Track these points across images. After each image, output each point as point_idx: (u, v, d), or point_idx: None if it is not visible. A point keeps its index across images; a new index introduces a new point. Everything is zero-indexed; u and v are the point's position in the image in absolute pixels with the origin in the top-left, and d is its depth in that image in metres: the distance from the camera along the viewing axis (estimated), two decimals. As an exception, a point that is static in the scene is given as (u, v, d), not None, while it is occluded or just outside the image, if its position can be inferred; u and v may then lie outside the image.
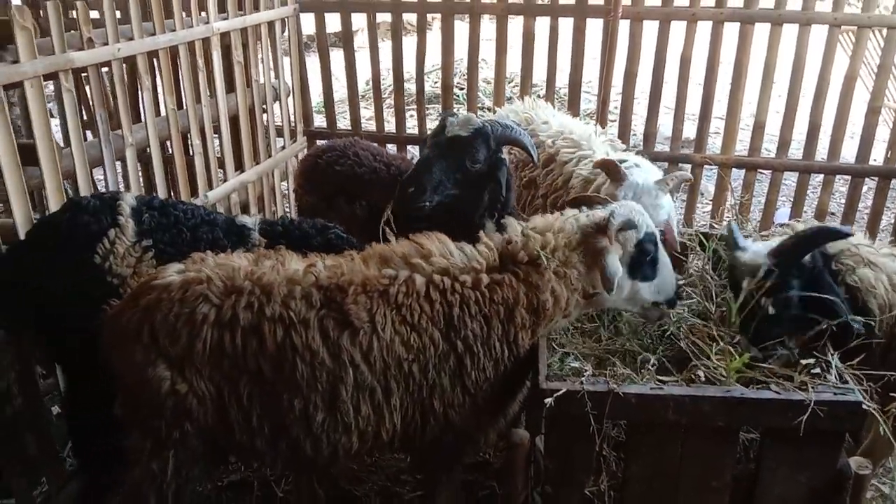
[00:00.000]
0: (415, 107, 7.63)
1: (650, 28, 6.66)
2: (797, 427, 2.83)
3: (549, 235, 3.19)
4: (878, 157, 6.87)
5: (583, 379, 2.91)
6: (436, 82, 11.19)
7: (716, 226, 4.71)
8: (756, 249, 3.33)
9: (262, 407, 2.98)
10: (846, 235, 3.28)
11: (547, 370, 2.99)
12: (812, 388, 2.90)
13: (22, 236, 3.78)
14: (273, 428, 3.02)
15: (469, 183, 3.90)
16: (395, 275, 3.05)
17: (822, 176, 6.95)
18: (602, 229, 3.15)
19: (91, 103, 4.60)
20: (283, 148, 6.92)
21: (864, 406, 2.80)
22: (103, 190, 4.50)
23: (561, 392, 2.82)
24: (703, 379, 2.99)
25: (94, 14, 4.57)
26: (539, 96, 7.65)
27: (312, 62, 7.48)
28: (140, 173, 4.93)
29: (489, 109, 7.20)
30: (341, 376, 2.94)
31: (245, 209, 6.25)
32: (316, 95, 7.70)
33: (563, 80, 7.06)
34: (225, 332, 2.93)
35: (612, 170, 3.94)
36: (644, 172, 4.10)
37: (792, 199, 7.24)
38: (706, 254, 4.22)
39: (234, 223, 3.91)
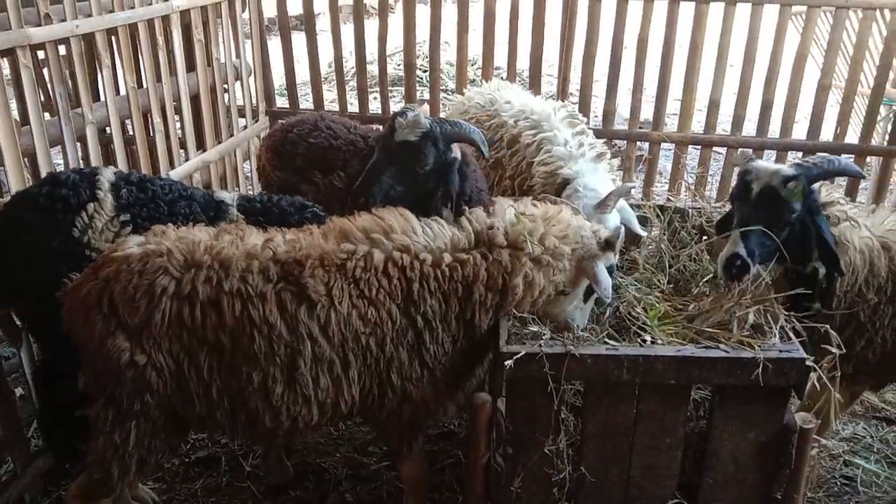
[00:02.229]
0: (378, 88, 7.65)
1: (608, 7, 6.78)
2: (746, 385, 2.98)
3: (540, 223, 3.23)
4: (827, 135, 7.08)
5: (541, 342, 3.01)
6: (399, 64, 11.21)
7: (672, 199, 4.85)
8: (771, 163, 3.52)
9: (222, 380, 3.02)
10: (861, 177, 3.44)
11: (507, 335, 3.09)
12: (760, 346, 3.05)
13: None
14: (232, 400, 3.06)
15: (420, 183, 3.98)
16: (353, 249, 3.08)
17: (775, 152, 7.15)
18: (612, 246, 3.26)
19: (50, 82, 4.56)
20: (245, 128, 6.90)
21: (807, 363, 2.95)
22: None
23: (521, 355, 2.91)
24: (647, 341, 3.11)
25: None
26: (502, 78, 7.76)
27: (274, 45, 7.45)
28: (100, 153, 4.89)
29: (452, 91, 7.26)
30: (299, 349, 2.99)
31: (207, 189, 6.24)
32: (278, 78, 7.68)
33: (524, 61, 7.15)
34: (184, 305, 2.96)
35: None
36: (587, 197, 4.12)
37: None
38: (662, 224, 4.37)
39: (212, 199, 3.91)
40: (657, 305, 3.28)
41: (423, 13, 7.08)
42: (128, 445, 3.12)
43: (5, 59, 4.20)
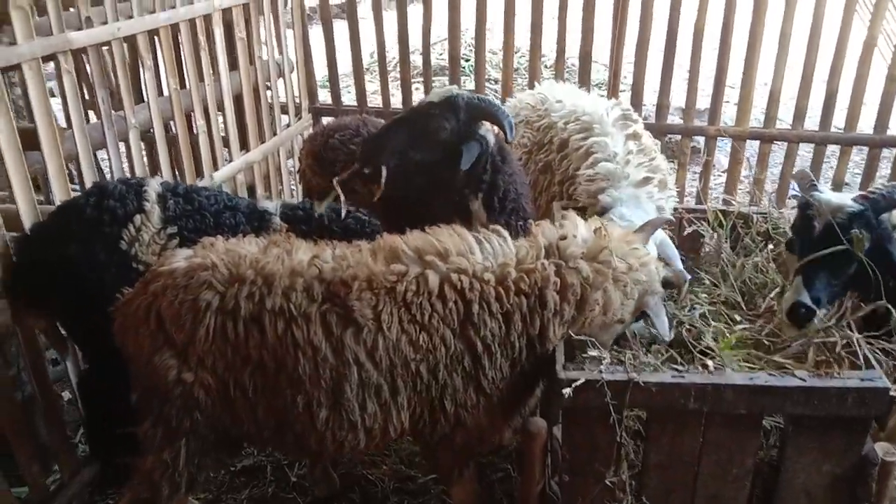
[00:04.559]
0: (422, 80, 7.48)
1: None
2: (823, 415, 2.78)
3: (623, 243, 3.07)
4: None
5: (601, 367, 2.83)
6: (441, 54, 11.00)
7: (733, 202, 4.61)
8: (835, 194, 3.28)
9: (266, 400, 2.93)
10: None
11: (563, 358, 2.92)
12: (838, 373, 2.83)
13: (26, 224, 3.72)
14: (279, 421, 2.97)
15: (436, 152, 3.76)
16: (404, 271, 2.91)
17: (839, 147, 6.80)
18: (678, 286, 3.17)
19: (92, 83, 4.49)
20: (288, 126, 6.80)
21: (892, 393, 2.73)
22: (107, 173, 4.44)
23: (579, 382, 2.76)
24: (711, 368, 2.91)
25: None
26: (547, 66, 7.54)
27: (315, 33, 7.29)
28: (144, 155, 4.82)
29: (497, 81, 7.03)
30: (345, 374, 2.85)
31: (251, 190, 6.16)
32: (320, 69, 7.53)
33: (572, 50, 6.90)
34: (228, 321, 2.87)
35: None
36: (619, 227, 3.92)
37: (808, 166, 7.11)
38: (724, 231, 4.14)
39: (255, 208, 3.89)
40: (728, 336, 3.06)
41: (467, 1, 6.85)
42: (178, 464, 3.06)
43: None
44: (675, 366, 3.00)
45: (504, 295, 2.91)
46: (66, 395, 4.69)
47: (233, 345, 2.88)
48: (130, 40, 4.60)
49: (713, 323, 3.36)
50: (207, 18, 5.26)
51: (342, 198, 4.03)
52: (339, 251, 3.07)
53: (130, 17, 4.45)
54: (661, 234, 3.83)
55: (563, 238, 3.05)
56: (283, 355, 2.86)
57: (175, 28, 4.94)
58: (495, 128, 3.89)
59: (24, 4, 3.65)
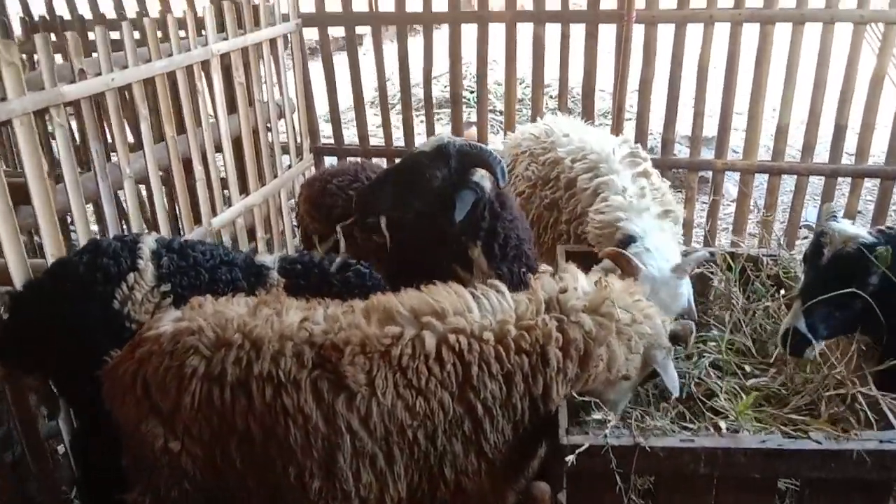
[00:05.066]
0: (424, 115, 7.43)
1: (665, 31, 6.40)
2: (840, 477, 2.64)
3: (625, 294, 2.95)
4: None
5: (606, 431, 2.70)
6: (445, 86, 10.98)
7: (740, 244, 4.48)
8: (853, 226, 3.20)
9: (256, 470, 2.80)
10: None
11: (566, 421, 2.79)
12: (856, 433, 2.69)
13: (15, 279, 3.65)
14: (270, 492, 2.84)
15: (431, 201, 3.75)
16: (399, 333, 2.79)
17: (850, 180, 6.67)
18: (680, 341, 3.00)
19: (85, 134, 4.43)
20: (290, 167, 6.73)
21: (913, 456, 2.58)
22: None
23: (583, 448, 2.63)
24: (724, 429, 2.77)
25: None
26: (552, 97, 7.47)
27: (316, 67, 7.23)
28: (139, 207, 4.74)
29: (500, 112, 6.94)
30: (338, 442, 2.72)
31: (251, 232, 6.08)
32: (321, 104, 7.47)
33: (576, 80, 6.83)
34: (214, 387, 2.76)
35: (623, 264, 3.56)
36: (659, 258, 3.72)
37: (818, 197, 6.99)
38: (732, 275, 4.01)
39: (252, 262, 3.79)
40: (745, 397, 2.93)
41: (469, 34, 6.77)
42: None
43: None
44: (686, 424, 2.88)
45: (504, 354, 2.78)
46: (61, 448, 4.58)
47: (219, 412, 2.77)
48: (125, 89, 4.54)
49: (725, 380, 3.22)
50: (205, 64, 5.21)
51: (342, 244, 3.96)
52: (332, 311, 2.96)
53: (125, 66, 4.40)
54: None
55: (564, 291, 2.93)
56: (273, 424, 2.74)
57: (172, 75, 4.87)
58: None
59: (16, 59, 3.60)
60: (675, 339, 3.02)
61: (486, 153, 3.76)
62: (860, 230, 3.14)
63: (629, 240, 3.84)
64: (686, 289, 3.62)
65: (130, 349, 2.97)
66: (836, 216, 3.23)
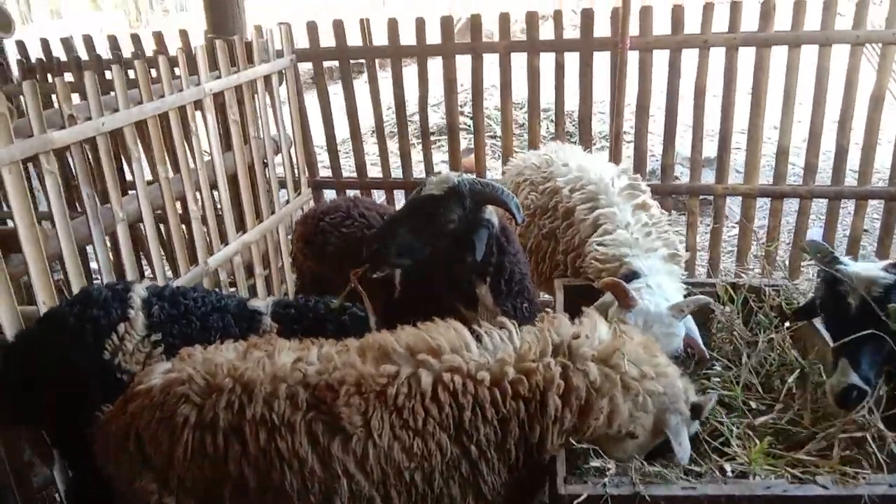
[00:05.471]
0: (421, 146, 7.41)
1: (660, 57, 6.37)
2: (850, 523, 2.55)
3: (640, 348, 2.86)
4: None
5: (605, 480, 2.61)
6: (442, 116, 11.00)
7: (742, 274, 4.40)
8: (861, 265, 3.12)
9: None
10: None
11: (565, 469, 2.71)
12: (864, 478, 2.60)
13: (6, 330, 3.60)
14: None
15: (444, 243, 3.68)
16: (395, 372, 2.73)
17: (853, 202, 6.58)
18: (698, 413, 2.90)
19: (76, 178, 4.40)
20: (288, 202, 6.70)
21: (925, 502, 2.49)
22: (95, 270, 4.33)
23: (581, 498, 2.54)
24: (729, 472, 2.69)
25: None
26: (551, 121, 7.48)
27: (311, 97, 7.23)
28: (132, 251, 4.68)
29: (498, 137, 6.88)
30: (334, 487, 2.66)
31: (249, 269, 6.03)
32: (318, 136, 7.46)
33: (573, 104, 6.80)
34: (206, 435, 2.71)
35: (620, 294, 3.52)
36: (657, 296, 3.66)
37: (822, 219, 6.90)
38: (735, 307, 3.93)
39: (245, 308, 3.76)
40: (754, 437, 2.85)
41: (463, 63, 6.75)
42: None
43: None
44: (691, 466, 2.79)
45: (500, 399, 2.70)
46: (58, 497, 4.51)
47: (212, 460, 2.70)
48: (116, 133, 4.51)
49: (730, 418, 3.13)
50: (198, 104, 5.19)
51: (363, 294, 3.84)
52: (326, 350, 2.91)
53: (116, 110, 4.37)
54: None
55: (577, 337, 2.85)
56: (268, 469, 2.68)
57: (164, 116, 4.85)
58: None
59: (3, 109, 3.58)
60: (696, 411, 2.89)
61: (498, 191, 3.69)
62: (875, 270, 3.05)
63: (633, 276, 3.79)
64: (681, 330, 3.53)
65: (122, 404, 2.93)
66: (835, 256, 3.14)
